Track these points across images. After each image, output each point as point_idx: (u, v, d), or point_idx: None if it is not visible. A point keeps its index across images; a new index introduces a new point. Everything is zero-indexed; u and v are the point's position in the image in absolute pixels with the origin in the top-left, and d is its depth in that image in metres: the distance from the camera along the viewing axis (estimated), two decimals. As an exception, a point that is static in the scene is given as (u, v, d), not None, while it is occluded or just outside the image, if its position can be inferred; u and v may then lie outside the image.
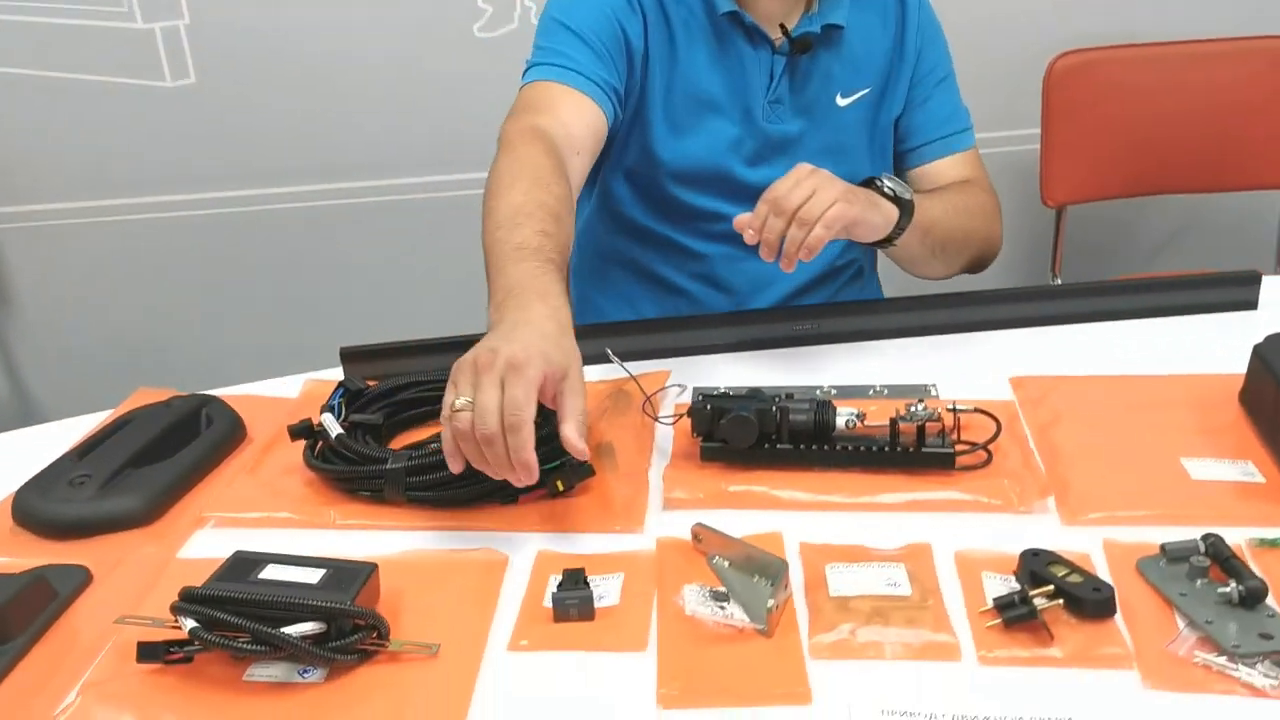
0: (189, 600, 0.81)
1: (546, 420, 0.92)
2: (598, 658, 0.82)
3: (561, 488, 0.97)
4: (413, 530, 0.97)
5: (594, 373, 1.05)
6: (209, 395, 1.17)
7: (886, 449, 1.00)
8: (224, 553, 0.93)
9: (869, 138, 1.38)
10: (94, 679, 0.81)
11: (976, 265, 1.38)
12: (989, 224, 1.36)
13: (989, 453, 1.00)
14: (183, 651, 0.80)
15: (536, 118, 1.20)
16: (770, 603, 0.82)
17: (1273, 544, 0.88)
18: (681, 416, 1.05)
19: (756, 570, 0.87)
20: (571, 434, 0.88)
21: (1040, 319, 1.28)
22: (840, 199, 1.10)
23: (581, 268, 1.50)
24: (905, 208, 1.20)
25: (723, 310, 1.39)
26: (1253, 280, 1.29)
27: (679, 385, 1.18)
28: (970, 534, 0.92)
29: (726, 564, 0.89)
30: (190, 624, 0.79)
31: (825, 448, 1.01)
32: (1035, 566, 0.85)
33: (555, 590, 0.86)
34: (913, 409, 1.01)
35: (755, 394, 1.06)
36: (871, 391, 1.15)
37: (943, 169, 1.37)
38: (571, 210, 1.11)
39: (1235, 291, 1.29)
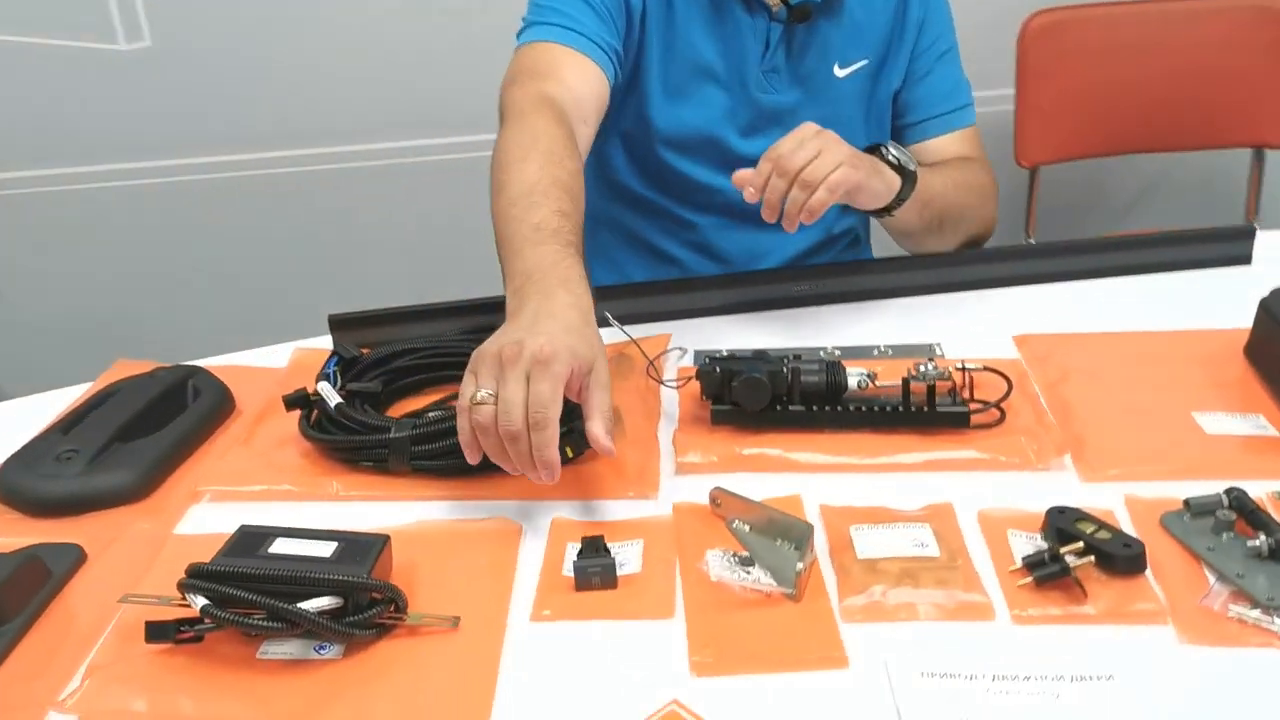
0: (198, 577, 0.77)
1: (568, 414, 0.89)
2: (624, 626, 0.79)
3: (571, 454, 0.94)
4: (420, 501, 0.94)
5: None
6: (194, 366, 1.13)
7: (900, 409, 0.98)
8: (222, 528, 0.90)
9: (866, 110, 1.34)
10: (99, 661, 0.78)
11: (970, 245, 1.36)
12: (986, 204, 1.34)
13: (1002, 411, 0.99)
14: (194, 630, 0.77)
15: (543, 83, 1.16)
16: (799, 566, 0.80)
17: (1294, 497, 0.88)
18: (689, 380, 1.03)
19: (779, 534, 0.85)
20: (599, 431, 0.86)
21: (1036, 276, 1.27)
22: (845, 162, 1.08)
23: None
24: (908, 178, 1.18)
25: (716, 279, 1.36)
26: (1247, 235, 1.28)
27: (680, 349, 1.15)
28: (989, 493, 0.91)
29: (747, 528, 0.87)
30: (201, 601, 0.76)
31: (839, 409, 0.99)
32: (1062, 524, 0.84)
33: (576, 559, 0.83)
34: (922, 368, 1.00)
35: (762, 356, 1.04)
36: (876, 352, 1.13)
37: (942, 146, 1.34)
38: (583, 185, 1.08)
39: (1229, 247, 1.29)
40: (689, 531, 0.88)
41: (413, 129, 2.22)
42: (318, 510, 0.94)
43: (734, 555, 0.84)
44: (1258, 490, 0.87)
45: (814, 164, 1.07)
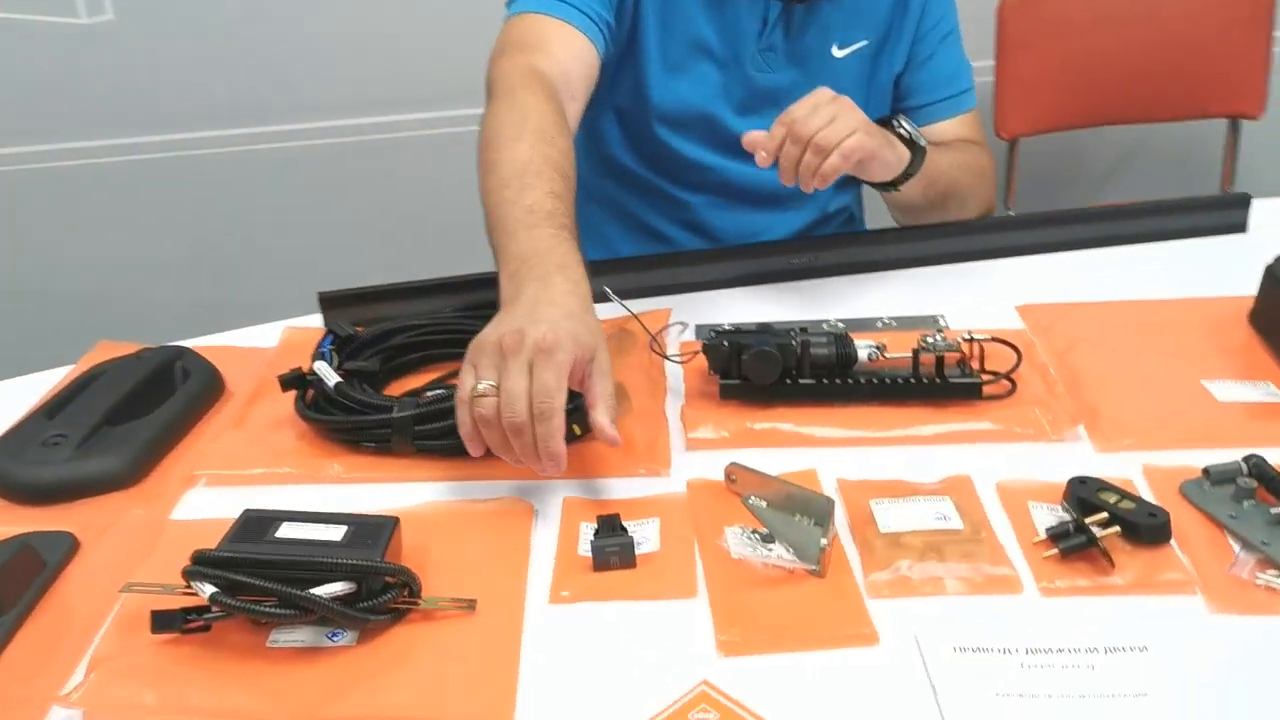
0: (204, 564, 0.74)
1: (571, 393, 0.86)
2: (645, 607, 0.78)
3: (579, 432, 0.92)
4: (426, 482, 0.91)
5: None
6: (181, 347, 1.10)
7: (912, 381, 0.97)
8: (219, 512, 0.87)
9: (865, 93, 1.32)
10: (102, 653, 0.75)
11: None
12: (986, 186, 1.33)
13: (1012, 382, 0.98)
14: (202, 619, 0.74)
15: (532, 57, 1.12)
16: (823, 542, 0.79)
17: (1312, 463, 0.87)
18: (696, 354, 1.01)
19: (798, 509, 0.83)
20: (603, 420, 0.83)
21: (1033, 247, 1.27)
22: (860, 129, 1.06)
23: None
24: (918, 152, 1.16)
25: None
26: (1243, 203, 1.28)
27: (681, 323, 1.13)
28: (1005, 464, 0.90)
29: (764, 504, 0.85)
30: (209, 589, 0.73)
31: (849, 382, 0.98)
32: (1084, 494, 0.83)
33: (593, 538, 0.81)
34: (930, 340, 0.99)
35: (767, 329, 1.03)
36: (880, 324, 1.12)
37: (943, 130, 1.32)
38: (574, 164, 1.05)
39: (1225, 215, 1.29)
40: (705, 508, 0.86)
41: (397, 104, 2.17)
42: (318, 493, 0.92)
43: (753, 532, 0.82)
44: (1274, 457, 0.87)
45: (828, 129, 1.05)
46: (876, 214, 1.40)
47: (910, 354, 0.98)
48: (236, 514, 0.82)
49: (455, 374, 1.06)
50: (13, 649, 0.76)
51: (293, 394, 1.00)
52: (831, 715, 0.68)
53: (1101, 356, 1.03)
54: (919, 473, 0.89)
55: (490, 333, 0.85)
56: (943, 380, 0.97)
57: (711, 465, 0.91)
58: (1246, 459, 0.85)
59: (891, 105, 1.35)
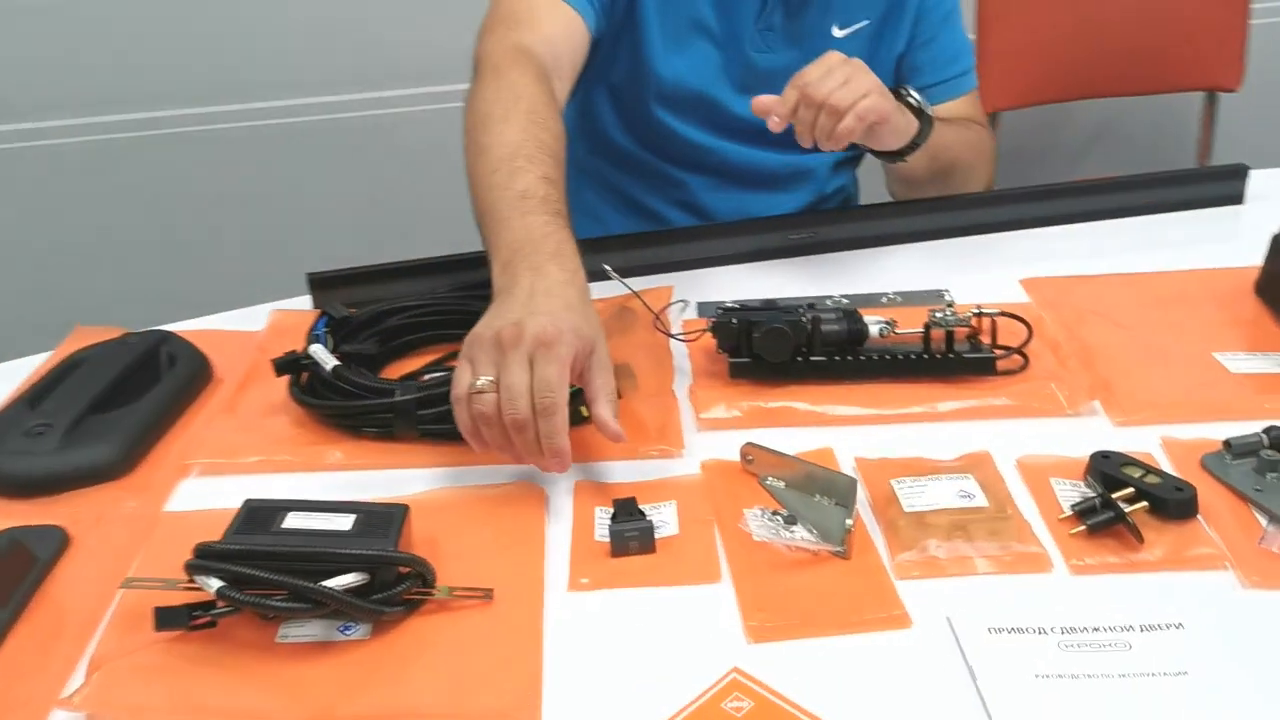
0: (208, 557, 0.71)
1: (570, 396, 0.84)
2: (668, 593, 0.75)
3: (586, 414, 0.89)
4: (431, 468, 0.88)
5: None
6: (165, 331, 1.06)
7: (924, 356, 0.95)
8: (216, 503, 0.85)
9: None
10: (102, 653, 0.71)
11: None
12: (987, 165, 1.32)
13: (1025, 356, 0.97)
14: (209, 615, 0.71)
15: (521, 33, 1.09)
16: (848, 523, 0.77)
17: (1332, 434, 0.86)
18: (703, 332, 0.98)
19: (818, 489, 0.81)
20: (606, 414, 0.81)
21: (1032, 220, 1.25)
22: (875, 91, 1.04)
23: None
24: (926, 121, 1.14)
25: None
26: (1240, 175, 1.27)
27: (682, 301, 1.11)
28: (1022, 440, 0.88)
29: (782, 484, 0.83)
30: (215, 584, 0.70)
31: (861, 359, 0.96)
32: (1107, 469, 0.81)
33: (611, 523, 0.79)
34: (940, 315, 0.97)
35: (772, 306, 1.01)
36: (885, 300, 1.10)
37: (946, 111, 1.29)
38: (565, 147, 1.02)
39: (1222, 186, 1.28)
40: (722, 490, 0.84)
41: (378, 80, 2.11)
42: (318, 481, 0.88)
43: (774, 513, 0.80)
44: (1293, 429, 0.86)
45: (842, 91, 1.03)
46: (873, 197, 1.38)
47: (921, 329, 0.96)
48: (233, 504, 0.78)
49: (454, 355, 1.03)
50: (7, 649, 0.73)
51: (286, 379, 0.96)
52: (867, 700, 0.66)
53: (1111, 329, 1.02)
54: (936, 450, 0.87)
55: (486, 326, 0.82)
56: (956, 356, 0.95)
57: (724, 445, 0.88)
58: (1267, 431, 0.84)
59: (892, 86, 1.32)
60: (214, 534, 0.73)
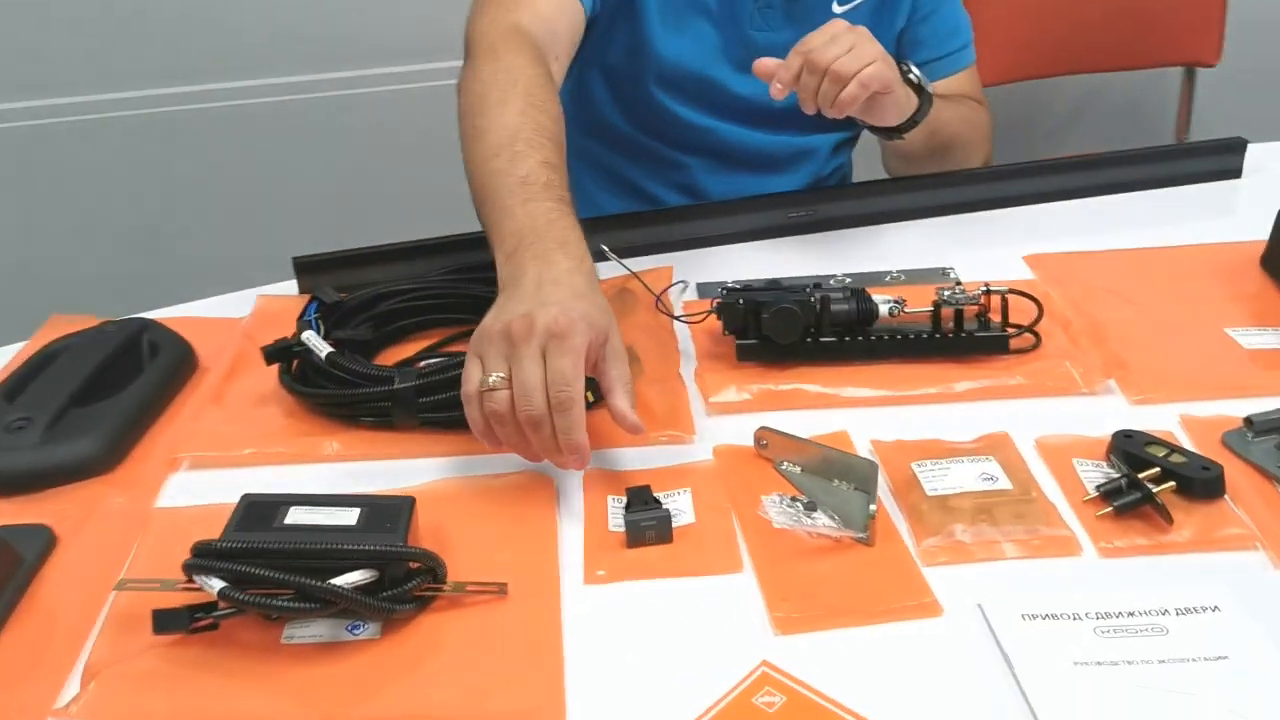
0: (208, 556, 0.68)
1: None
2: (689, 584, 0.73)
3: (593, 399, 0.86)
4: (433, 457, 0.85)
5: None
6: (145, 319, 1.01)
7: (936, 336, 0.93)
8: (208, 498, 0.82)
9: None
10: (98, 659, 0.68)
11: None
12: (985, 142, 1.30)
13: (1036, 335, 0.95)
14: (211, 617, 0.68)
15: (515, 14, 1.05)
16: (872, 508, 0.74)
17: (1352, 410, 0.85)
18: (708, 314, 0.96)
19: (836, 474, 0.79)
20: (623, 405, 0.78)
21: (1031, 196, 1.23)
22: (879, 59, 1.01)
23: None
24: (925, 98, 1.12)
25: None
26: (1239, 148, 1.26)
27: (681, 282, 1.08)
28: (1039, 420, 0.86)
29: (798, 469, 0.81)
30: (217, 584, 0.66)
31: (871, 339, 0.93)
32: (1130, 448, 0.80)
33: (625, 512, 0.76)
34: (949, 293, 0.95)
35: (776, 286, 0.98)
36: (889, 278, 1.08)
37: (946, 86, 1.27)
38: (564, 130, 0.98)
39: (1220, 160, 1.26)
40: (737, 476, 0.81)
41: (359, 58, 2.04)
42: (314, 473, 0.85)
43: (793, 499, 0.78)
44: (1312, 405, 0.84)
45: (846, 58, 1.00)
46: (867, 176, 1.35)
47: (930, 308, 0.94)
48: (226, 499, 0.75)
49: (451, 341, 1.01)
50: (-5, 658, 0.69)
51: (275, 367, 0.93)
52: (903, 693, 0.64)
53: (1120, 306, 1.01)
54: (952, 431, 0.85)
55: (494, 320, 0.78)
56: (968, 335, 0.93)
57: (736, 430, 0.86)
58: (1289, 407, 0.83)
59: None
60: (209, 530, 0.70)
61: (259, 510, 0.72)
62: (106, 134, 2.03)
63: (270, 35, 2.02)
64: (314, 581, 0.66)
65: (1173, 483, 0.76)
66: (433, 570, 0.71)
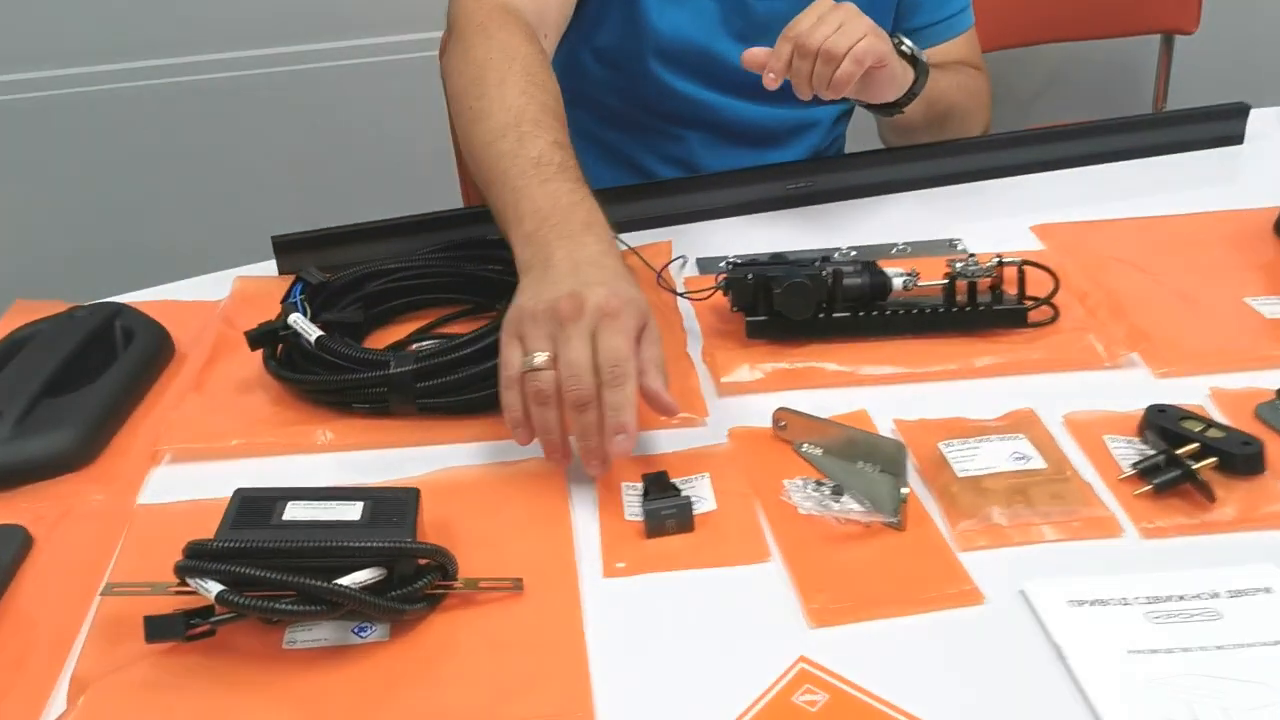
0: (203, 557, 0.63)
1: None
2: (714, 575, 0.69)
3: (598, 382, 0.82)
4: (434, 445, 0.81)
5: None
6: (118, 303, 0.96)
7: (953, 310, 0.90)
8: (193, 492, 0.77)
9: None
10: (86, 670, 0.63)
11: None
12: (983, 110, 1.26)
13: (1054, 307, 0.91)
14: (209, 623, 0.63)
15: None
16: (903, 491, 0.71)
17: (1381, 380, 0.83)
18: (714, 290, 0.91)
19: (860, 455, 0.76)
20: (658, 385, 0.74)
21: (1033, 165, 1.20)
22: (870, 32, 0.97)
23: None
24: (921, 70, 1.08)
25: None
26: (1240, 114, 1.24)
27: (681, 257, 1.04)
28: (1064, 396, 0.83)
29: (819, 451, 0.77)
30: (215, 587, 0.62)
31: (887, 313, 0.90)
32: (1165, 423, 0.77)
33: (643, 500, 0.72)
34: (962, 265, 0.91)
35: (783, 260, 0.94)
36: (894, 250, 1.04)
37: (945, 51, 1.23)
38: (564, 108, 0.94)
39: (1222, 126, 1.24)
40: (756, 460, 0.77)
41: (334, 30, 1.97)
42: (307, 465, 0.80)
43: (819, 484, 0.74)
44: (1343, 376, 0.82)
45: (836, 36, 0.96)
46: (862, 147, 1.32)
47: (942, 281, 0.91)
48: (213, 494, 0.72)
49: (442, 322, 0.96)
50: (-29, 671, 0.64)
51: (259, 353, 0.87)
52: (949, 687, 0.61)
53: (1135, 276, 0.98)
54: (975, 409, 0.82)
55: (533, 300, 0.74)
56: (986, 308, 0.90)
57: (750, 411, 0.82)
58: (1322, 378, 0.80)
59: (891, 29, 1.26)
60: (196, 528, 0.65)
61: (254, 506, 0.67)
62: (68, 110, 1.95)
63: (239, 6, 1.94)
64: (318, 582, 0.62)
65: (1214, 458, 0.73)
66: (443, 567, 0.66)
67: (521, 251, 0.79)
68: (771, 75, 0.98)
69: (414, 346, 0.92)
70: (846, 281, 0.89)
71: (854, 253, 1.02)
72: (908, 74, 1.07)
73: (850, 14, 0.98)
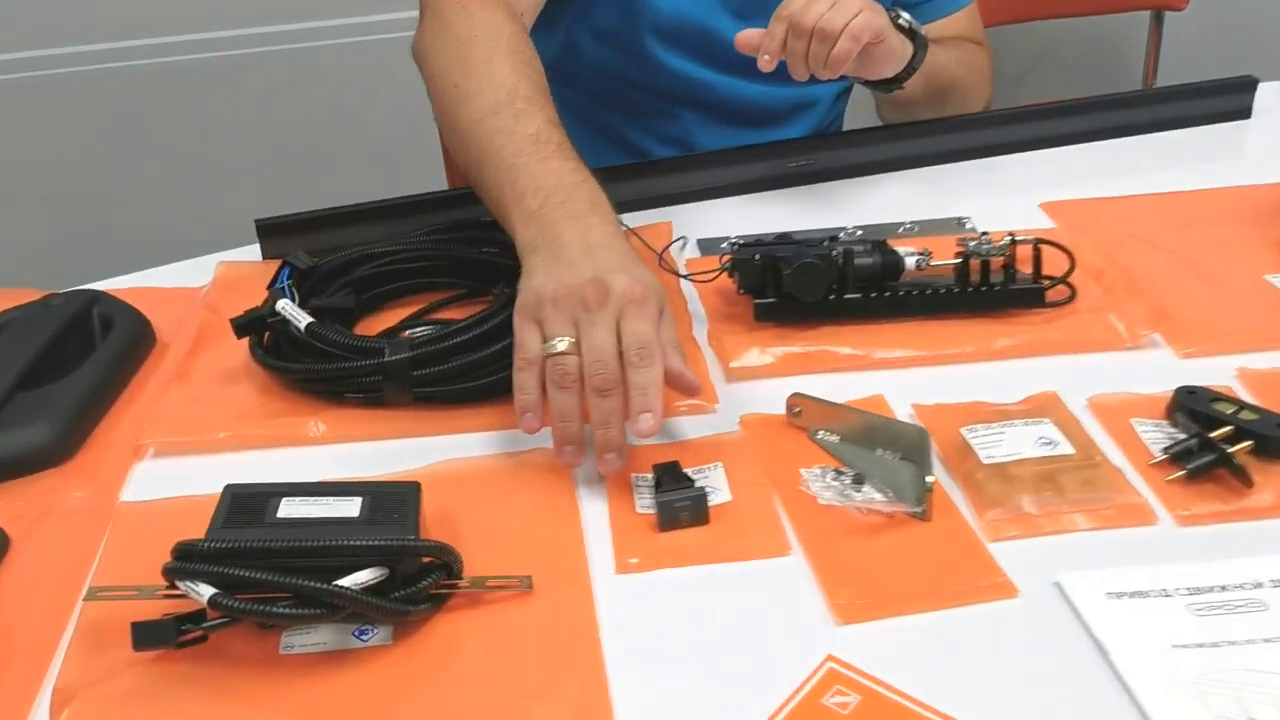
0: (194, 559, 0.59)
1: None
2: (733, 570, 0.65)
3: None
4: (432, 436, 0.77)
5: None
6: (94, 290, 0.91)
7: (969, 290, 0.86)
8: (179, 489, 0.74)
9: None
10: (69, 681, 0.59)
11: None
12: (984, 86, 1.23)
13: (1071, 287, 0.88)
14: (201, 628, 0.59)
15: None
16: (928, 480, 0.68)
17: None
18: (719, 271, 0.88)
19: (880, 442, 0.73)
20: (678, 364, 0.72)
21: (1038, 141, 1.17)
22: (864, 8, 0.94)
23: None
24: (920, 44, 1.05)
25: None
26: (1248, 87, 1.21)
27: (681, 238, 1.00)
28: (1085, 378, 0.80)
29: (836, 439, 0.74)
30: (207, 590, 0.58)
31: (900, 294, 0.86)
32: (1195, 405, 0.74)
33: (656, 492, 0.69)
34: (974, 244, 0.88)
35: (789, 239, 0.91)
36: (902, 229, 1.01)
37: (945, 26, 1.20)
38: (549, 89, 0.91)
39: (1229, 100, 1.21)
40: (770, 449, 0.74)
41: (312, 9, 1.92)
42: (298, 458, 0.77)
43: (839, 472, 0.71)
44: (1370, 354, 0.79)
45: (831, 14, 0.93)
46: (859, 124, 1.28)
47: (955, 260, 0.88)
48: (200, 490, 0.68)
49: (435, 307, 0.92)
50: (-55, 683, 0.60)
51: (245, 341, 0.84)
52: (987, 686, 0.58)
53: (1151, 254, 0.95)
54: (994, 392, 0.79)
55: (549, 283, 0.72)
56: (1001, 288, 0.87)
57: (760, 397, 0.79)
58: (1352, 357, 0.78)
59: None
60: (182, 526, 0.61)
61: (246, 503, 0.64)
62: (39, 91, 1.89)
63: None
64: (316, 583, 0.58)
65: (1249, 441, 0.70)
66: (448, 565, 0.63)
67: (524, 230, 0.76)
68: (766, 57, 0.96)
69: (407, 333, 0.88)
70: (858, 261, 0.86)
71: (860, 232, 0.99)
72: (906, 48, 1.04)
73: None
